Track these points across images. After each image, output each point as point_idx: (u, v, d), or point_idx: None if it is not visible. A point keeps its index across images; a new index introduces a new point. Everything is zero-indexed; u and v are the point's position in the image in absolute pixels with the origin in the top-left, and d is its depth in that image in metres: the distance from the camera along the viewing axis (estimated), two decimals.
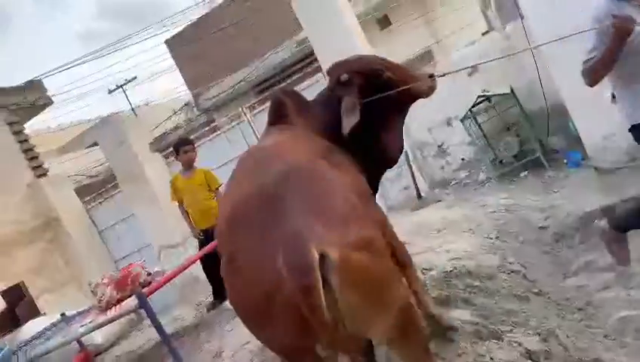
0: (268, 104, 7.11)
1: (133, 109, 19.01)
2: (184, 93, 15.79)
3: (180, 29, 14.24)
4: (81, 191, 9.81)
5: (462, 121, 6.11)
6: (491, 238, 4.03)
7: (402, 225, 4.38)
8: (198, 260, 4.48)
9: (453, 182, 6.53)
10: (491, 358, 2.42)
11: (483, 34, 8.69)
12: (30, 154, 8.49)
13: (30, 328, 5.13)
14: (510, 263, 3.55)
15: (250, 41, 12.24)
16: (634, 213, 2.97)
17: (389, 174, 4.09)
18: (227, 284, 1.85)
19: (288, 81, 8.01)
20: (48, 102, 9.23)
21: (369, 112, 2.53)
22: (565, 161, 5.47)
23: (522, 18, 5.14)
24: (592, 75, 2.89)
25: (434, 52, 10.93)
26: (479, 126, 6.12)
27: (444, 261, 3.55)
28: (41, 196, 8.00)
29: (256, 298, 1.73)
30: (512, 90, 5.82)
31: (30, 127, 9.89)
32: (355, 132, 2.45)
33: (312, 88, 6.87)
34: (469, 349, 2.49)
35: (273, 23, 11.51)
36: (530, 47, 4.81)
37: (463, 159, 6.56)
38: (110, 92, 22.11)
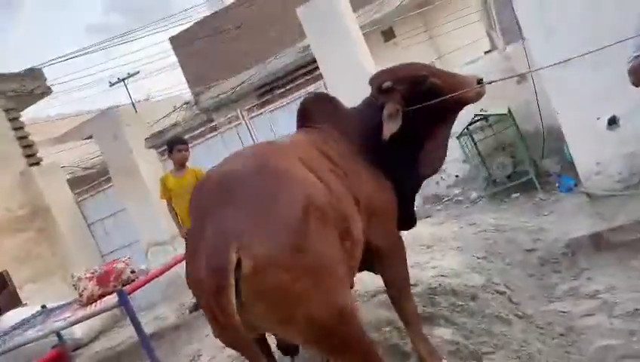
0: (266, 108, 7.24)
1: (133, 104, 18.96)
2: (185, 91, 15.79)
3: (185, 26, 14.26)
4: (75, 183, 9.78)
5: (458, 138, 6.12)
6: (478, 258, 4.02)
7: None
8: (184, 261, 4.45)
9: (445, 199, 6.53)
10: None
11: (485, 53, 8.73)
12: (25, 142, 8.45)
13: (10, 318, 5.09)
14: (495, 284, 3.54)
15: (254, 44, 12.25)
16: None
17: None
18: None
19: (289, 86, 8.00)
20: (47, 91, 9.20)
21: (412, 119, 2.46)
22: (557, 185, 5.48)
23: (524, 40, 5.16)
24: (637, 73, 2.82)
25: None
26: (475, 144, 6.13)
27: (430, 277, 3.55)
28: (33, 185, 7.96)
29: (193, 286, 1.84)
30: (509, 111, 5.84)
31: (26, 114, 9.85)
32: (395, 139, 2.40)
33: None
34: None
35: (278, 28, 11.54)
36: (534, 69, 4.83)
37: (457, 176, 6.56)
38: (111, 85, 22.07)
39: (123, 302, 3.21)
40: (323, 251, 1.81)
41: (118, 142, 7.49)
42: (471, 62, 6.74)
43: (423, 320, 2.90)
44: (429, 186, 6.68)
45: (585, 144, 4.71)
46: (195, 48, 13.10)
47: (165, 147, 5.36)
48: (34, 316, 4.23)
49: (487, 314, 3.14)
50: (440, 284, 3.39)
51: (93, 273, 3.83)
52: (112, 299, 3.42)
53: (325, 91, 6.69)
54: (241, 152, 2.32)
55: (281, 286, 1.69)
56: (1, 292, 6.05)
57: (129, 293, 3.35)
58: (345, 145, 2.45)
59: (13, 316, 5.09)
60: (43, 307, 4.34)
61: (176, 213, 4.91)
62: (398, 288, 2.56)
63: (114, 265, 3.94)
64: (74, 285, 3.83)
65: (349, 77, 6.25)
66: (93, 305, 3.65)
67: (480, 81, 2.59)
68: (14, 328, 4.00)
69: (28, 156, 8.38)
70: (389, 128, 2.40)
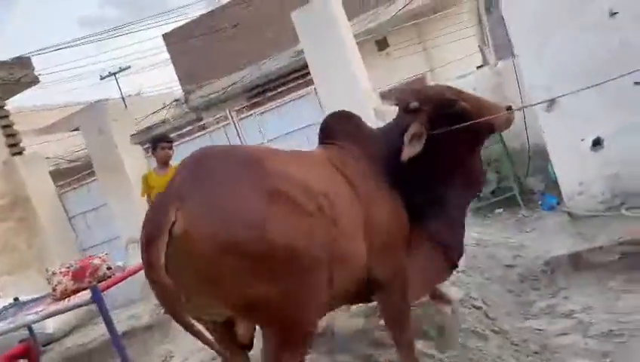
0: (256, 110, 7.20)
1: (123, 98, 18.80)
2: (176, 88, 15.70)
3: (179, 23, 14.22)
4: (59, 175, 9.64)
5: None
6: (458, 271, 4.00)
7: None
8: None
9: None
10: None
11: (477, 67, 8.79)
12: (8, 131, 8.32)
13: None
14: (473, 298, 3.54)
15: (249, 45, 12.24)
16: None
17: None
18: None
19: (280, 89, 7.99)
20: (35, 81, 9.06)
21: (437, 143, 2.35)
22: (540, 202, 5.52)
23: (514, 57, 5.20)
24: None
25: (427, 80, 11.04)
26: None
27: None
28: (15, 174, 7.82)
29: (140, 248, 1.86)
30: None
31: (12, 103, 9.71)
32: (419, 162, 2.31)
33: (303, 100, 6.87)
34: None
35: (274, 30, 11.54)
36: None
37: None
38: (102, 78, 21.89)
39: (96, 298, 3.15)
40: (275, 240, 1.75)
41: (104, 137, 7.40)
42: (462, 77, 6.79)
43: None
44: None
45: (569, 164, 4.75)
46: (188, 46, 13.05)
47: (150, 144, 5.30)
48: (5, 308, 4.14)
49: (464, 328, 3.13)
50: None
51: (68, 268, 3.75)
52: (86, 294, 3.35)
53: (315, 96, 6.70)
54: (239, 145, 2.35)
55: (209, 255, 1.68)
56: None
57: (103, 290, 3.29)
58: (365, 164, 2.36)
59: None
60: (15, 300, 4.25)
61: None
62: (394, 322, 2.42)
63: (90, 261, 3.86)
64: (48, 279, 3.76)
65: (341, 84, 6.26)
66: (67, 300, 3.58)
67: (509, 108, 2.53)
68: None
69: (11, 146, 8.24)
70: (411, 150, 2.31)
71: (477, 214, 5.91)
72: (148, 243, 1.71)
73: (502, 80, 5.93)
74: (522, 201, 5.66)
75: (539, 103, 4.45)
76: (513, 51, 5.18)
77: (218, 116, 7.67)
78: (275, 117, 7.02)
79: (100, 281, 3.66)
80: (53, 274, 3.70)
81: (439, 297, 3.15)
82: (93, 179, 7.96)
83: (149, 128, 11.26)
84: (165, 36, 13.81)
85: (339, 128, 2.55)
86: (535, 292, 3.94)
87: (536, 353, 3.12)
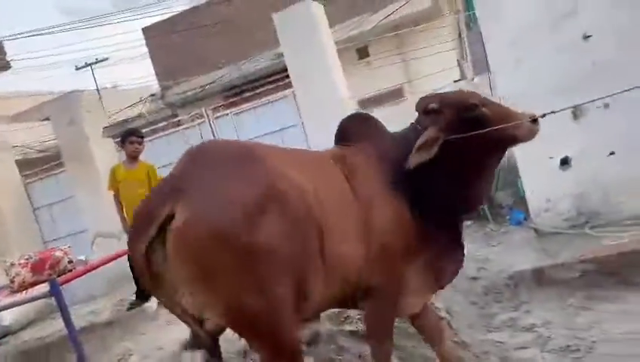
0: (232, 110, 7.16)
1: (98, 90, 18.45)
2: (153, 83, 15.49)
3: (163, 17, 14.04)
4: (27, 164, 9.39)
5: None
6: None
7: None
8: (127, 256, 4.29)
9: None
10: None
11: (455, 81, 8.91)
12: None
13: None
14: (437, 309, 3.56)
15: (229, 44, 12.16)
16: None
17: None
18: None
19: (258, 90, 7.96)
20: (6, 66, 8.82)
21: (453, 149, 2.24)
22: (508, 217, 5.62)
23: (490, 73, 5.30)
24: None
25: (405, 90, 11.13)
26: None
27: None
28: None
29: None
30: None
31: None
32: (431, 168, 2.21)
33: (281, 103, 6.86)
34: None
35: (255, 31, 11.48)
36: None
37: None
38: (77, 69, 21.45)
39: (54, 292, 3.06)
40: (264, 241, 1.73)
41: (75, 128, 7.25)
42: (439, 89, 6.86)
43: (358, 339, 2.90)
44: None
45: (537, 181, 4.85)
46: (168, 41, 12.89)
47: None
48: None
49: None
50: None
51: (27, 259, 3.64)
52: (44, 287, 3.26)
53: (293, 100, 6.69)
54: (243, 141, 2.27)
55: (204, 251, 1.67)
56: None
57: (62, 284, 3.19)
58: (374, 167, 2.29)
59: None
60: None
61: (122, 206, 4.76)
62: (375, 332, 2.34)
63: (52, 253, 3.75)
64: (6, 270, 3.64)
65: (319, 88, 6.28)
66: (24, 292, 3.48)
67: (534, 120, 2.36)
68: None
69: None
70: (417, 157, 2.22)
71: None
72: (134, 235, 1.75)
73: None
74: (491, 215, 5.75)
75: (563, 110, 4.47)
76: (489, 67, 5.28)
77: (193, 114, 7.59)
78: (251, 118, 6.99)
79: (60, 275, 3.57)
80: (12, 265, 3.59)
81: None
82: (61, 170, 7.78)
83: (123, 122, 11.07)
84: (145, 30, 13.62)
85: (354, 130, 2.49)
86: (498, 305, 3.99)
87: None
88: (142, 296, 4.63)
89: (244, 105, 7.15)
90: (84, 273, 3.43)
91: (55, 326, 5.19)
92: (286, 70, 6.74)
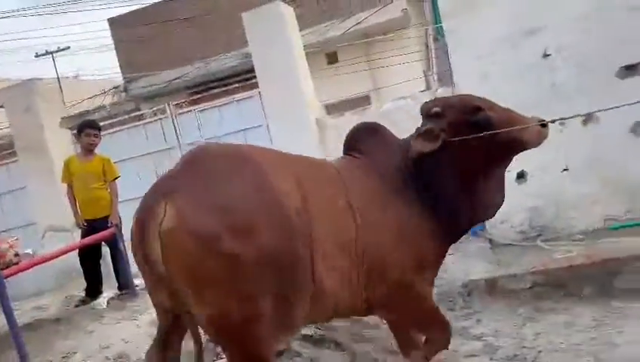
0: (196, 107, 7.05)
1: (58, 79, 17.89)
2: (117, 75, 15.13)
3: (128, 9, 13.74)
4: None
5: None
6: None
7: None
8: (77, 251, 4.17)
9: None
10: None
11: (420, 92, 9.05)
12: None
13: None
14: None
15: (198, 41, 11.99)
16: None
17: None
18: None
19: (225, 89, 7.88)
20: None
21: (456, 153, 2.21)
22: None
23: (454, 86, 5.39)
24: None
25: (372, 98, 11.25)
26: None
27: None
28: None
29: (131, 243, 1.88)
30: None
31: None
32: (437, 174, 2.22)
33: (246, 102, 6.81)
34: None
35: (225, 30, 11.36)
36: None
37: None
38: (37, 56, 20.76)
39: None
40: (248, 249, 1.70)
41: (30, 116, 7.02)
42: (402, 98, 6.92)
43: (313, 343, 2.90)
44: None
45: None
46: (135, 34, 12.61)
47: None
48: None
49: (379, 343, 3.21)
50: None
51: None
52: None
53: (259, 100, 6.65)
54: (242, 145, 2.22)
55: (189, 254, 1.66)
56: None
57: (6, 277, 3.07)
58: (376, 180, 2.25)
59: None
60: None
61: (75, 200, 4.61)
62: (419, 326, 2.50)
63: None
64: None
65: (285, 90, 6.25)
66: None
67: (544, 125, 2.33)
68: None
69: None
70: (420, 144, 2.20)
71: None
72: (136, 231, 1.75)
73: None
74: None
75: (574, 117, 4.54)
76: (452, 79, 5.37)
77: (156, 108, 7.45)
78: (215, 116, 6.91)
79: (5, 267, 3.44)
80: None
81: None
82: (14, 159, 7.50)
83: (83, 113, 10.76)
84: (111, 21, 13.30)
85: (361, 140, 2.44)
86: (450, 313, 4.04)
87: None
88: (91, 293, 4.49)
89: (209, 103, 7.07)
90: (30, 267, 3.31)
91: None
92: (254, 70, 6.70)
